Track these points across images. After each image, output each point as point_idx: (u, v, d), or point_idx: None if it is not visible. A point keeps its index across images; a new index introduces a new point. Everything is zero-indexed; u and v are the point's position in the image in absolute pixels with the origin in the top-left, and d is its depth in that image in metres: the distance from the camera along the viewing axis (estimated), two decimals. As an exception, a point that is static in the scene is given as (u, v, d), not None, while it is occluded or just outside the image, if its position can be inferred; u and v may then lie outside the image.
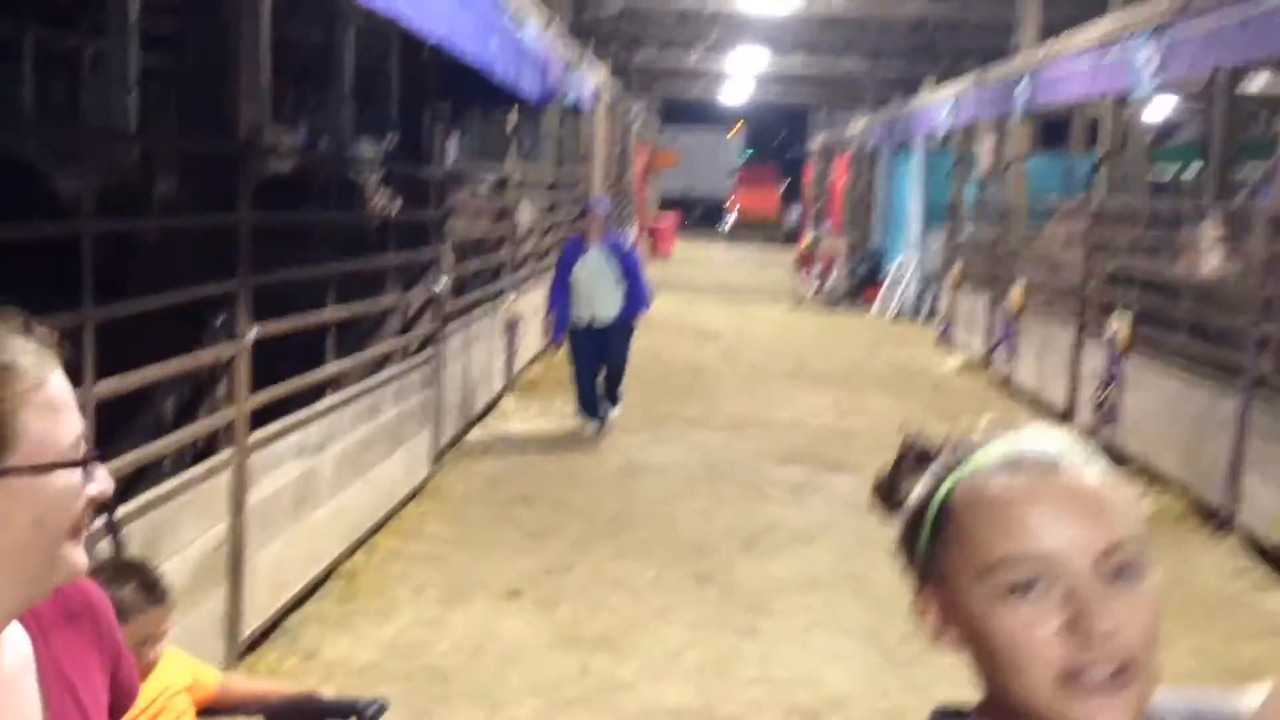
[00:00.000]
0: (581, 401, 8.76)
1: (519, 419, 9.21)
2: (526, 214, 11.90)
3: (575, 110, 15.31)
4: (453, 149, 11.55)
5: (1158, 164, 16.14)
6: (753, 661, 4.77)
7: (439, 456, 7.22)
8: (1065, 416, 9.93)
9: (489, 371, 9.04)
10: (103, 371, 3.31)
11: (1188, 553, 6.47)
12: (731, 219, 37.07)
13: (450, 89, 6.93)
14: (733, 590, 5.53)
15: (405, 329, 6.81)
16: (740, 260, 28.45)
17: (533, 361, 11.13)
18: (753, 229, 35.98)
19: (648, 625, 5.03)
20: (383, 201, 7.53)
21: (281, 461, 4.45)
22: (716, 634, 5.00)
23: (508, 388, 9.81)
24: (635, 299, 8.70)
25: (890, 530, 1.30)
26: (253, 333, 4.04)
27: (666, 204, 32.92)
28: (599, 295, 8.58)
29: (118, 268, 4.12)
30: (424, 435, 6.79)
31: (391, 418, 6.05)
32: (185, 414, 3.95)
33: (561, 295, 8.66)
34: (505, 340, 9.66)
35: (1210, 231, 8.90)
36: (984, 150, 16.17)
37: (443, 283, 6.96)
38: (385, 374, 5.96)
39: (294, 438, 4.58)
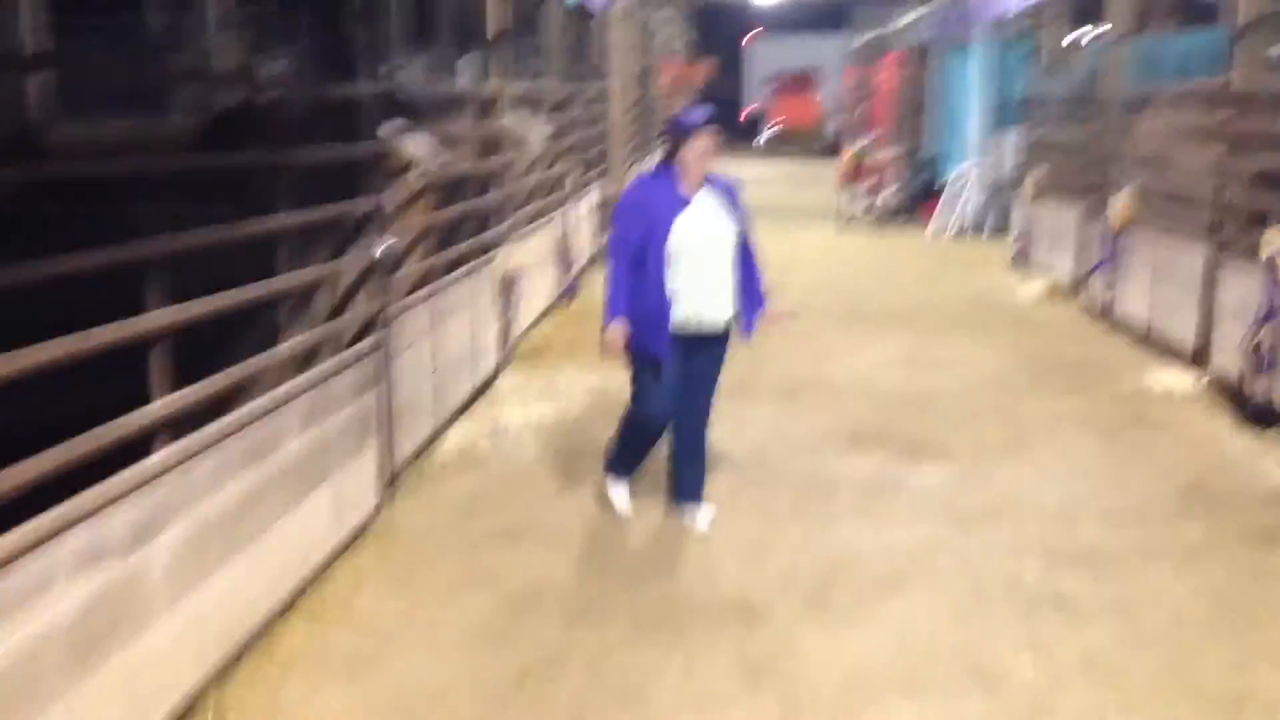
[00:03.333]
0: (631, 454, 5.29)
1: (517, 402, 7.38)
2: (535, 137, 9.98)
3: (583, 12, 13.27)
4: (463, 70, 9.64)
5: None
6: None
7: (394, 479, 5.44)
8: (1197, 359, 7.96)
9: (476, 347, 7.22)
10: None
11: None
12: (768, 132, 34.62)
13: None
14: (800, 696, 3.71)
15: (335, 314, 5.00)
16: (777, 177, 26.19)
17: (537, 322, 9.30)
18: (789, 142, 33.59)
19: (671, 781, 3.25)
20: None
21: (39, 591, 2.68)
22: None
23: (504, 363, 7.99)
24: (754, 290, 5.11)
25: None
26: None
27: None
28: (710, 280, 4.89)
29: None
30: (366, 457, 5.01)
31: (302, 448, 4.27)
32: None
33: (637, 283, 4.83)
34: (501, 304, 7.82)
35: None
36: (1051, 34, 13.95)
37: (386, 244, 5.11)
38: (284, 389, 4.15)
39: (71, 542, 2.80)
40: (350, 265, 5.06)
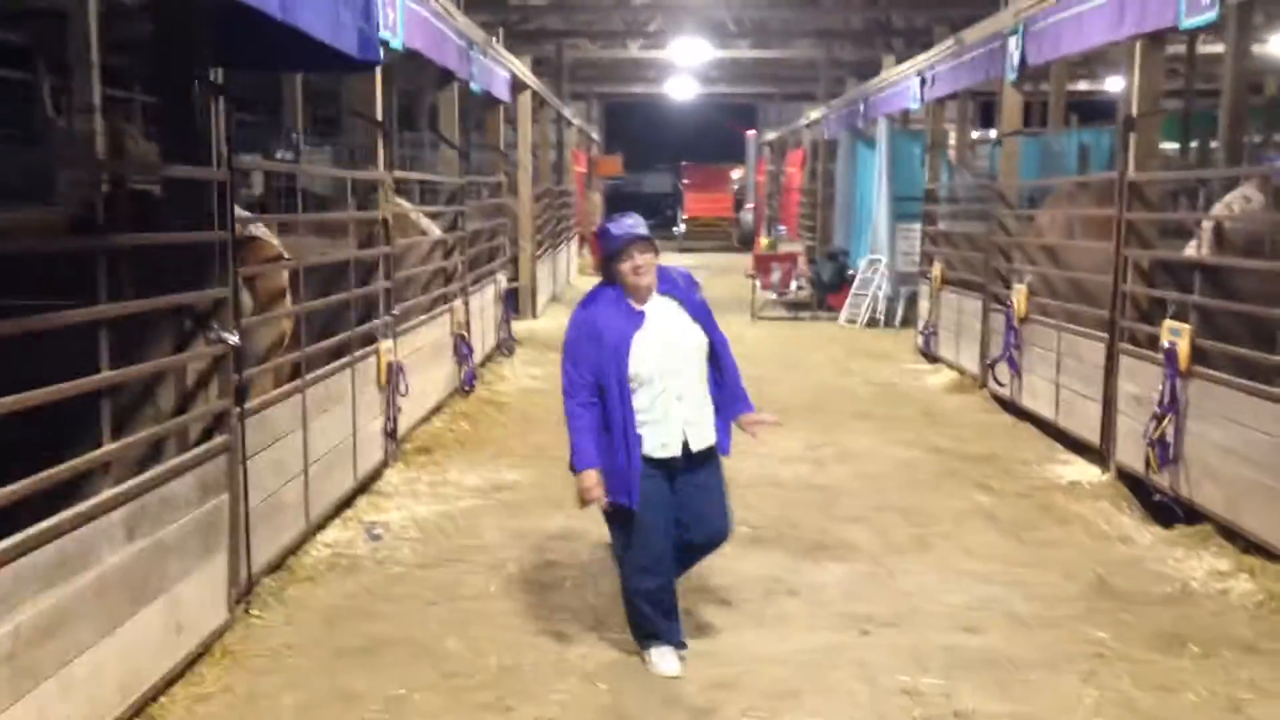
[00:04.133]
0: (647, 610, 4.50)
1: (405, 500, 6.97)
2: (432, 223, 9.74)
3: (490, 101, 13.10)
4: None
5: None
6: None
7: (249, 589, 4.97)
8: (1102, 451, 7.84)
9: (358, 442, 6.79)
10: None
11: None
12: (681, 224, 34.81)
13: (233, 48, 4.71)
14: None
15: (179, 410, 4.59)
16: (692, 268, 26.26)
17: (430, 416, 8.90)
18: (705, 234, 33.73)
19: None
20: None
21: None
22: None
23: (391, 458, 7.56)
24: (732, 395, 4.61)
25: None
26: None
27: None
28: (690, 393, 4.41)
29: None
30: (214, 566, 4.56)
31: (127, 561, 3.82)
32: None
33: (594, 418, 4.32)
34: (384, 397, 7.41)
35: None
36: (950, 129, 14.23)
37: (233, 336, 4.73)
38: (103, 496, 3.72)
39: None
40: (194, 358, 4.66)
